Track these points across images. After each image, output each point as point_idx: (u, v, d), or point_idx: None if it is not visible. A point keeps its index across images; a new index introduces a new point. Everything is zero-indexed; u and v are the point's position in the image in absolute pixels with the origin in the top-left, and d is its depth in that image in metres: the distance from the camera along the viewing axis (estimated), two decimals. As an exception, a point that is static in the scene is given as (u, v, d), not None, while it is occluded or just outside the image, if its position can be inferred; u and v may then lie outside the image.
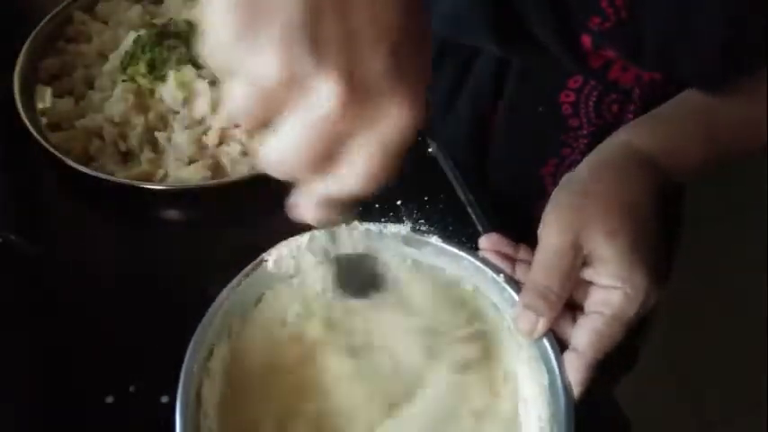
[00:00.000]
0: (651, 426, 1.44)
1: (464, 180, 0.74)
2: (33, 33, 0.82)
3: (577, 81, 0.64)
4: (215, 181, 0.72)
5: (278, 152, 0.35)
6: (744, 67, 0.57)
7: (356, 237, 0.54)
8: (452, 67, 0.69)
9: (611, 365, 0.52)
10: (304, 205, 0.39)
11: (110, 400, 0.59)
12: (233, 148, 0.75)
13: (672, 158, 0.58)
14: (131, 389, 0.59)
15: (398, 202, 0.71)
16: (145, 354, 0.61)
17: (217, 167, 0.74)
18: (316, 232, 0.56)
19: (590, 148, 0.67)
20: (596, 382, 0.52)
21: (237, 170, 0.74)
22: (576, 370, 0.50)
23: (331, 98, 0.33)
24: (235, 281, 0.55)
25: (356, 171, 0.36)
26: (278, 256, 0.56)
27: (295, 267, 0.57)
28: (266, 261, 0.56)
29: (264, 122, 0.35)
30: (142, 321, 0.64)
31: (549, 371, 0.52)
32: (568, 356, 0.51)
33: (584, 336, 0.51)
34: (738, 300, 1.64)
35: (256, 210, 0.72)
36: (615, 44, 0.57)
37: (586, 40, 0.58)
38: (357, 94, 0.33)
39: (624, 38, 0.57)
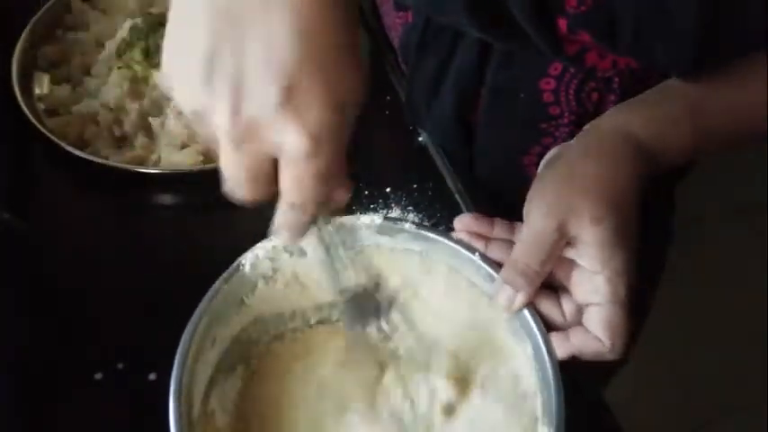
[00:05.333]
0: (651, 427, 1.44)
1: (453, 168, 0.75)
2: (32, 21, 0.83)
3: (557, 68, 0.64)
4: (207, 165, 0.73)
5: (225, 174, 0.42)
6: (718, 55, 0.57)
7: (329, 230, 0.53)
8: (436, 54, 0.69)
9: (600, 367, 0.53)
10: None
11: (98, 376, 0.60)
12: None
13: (660, 143, 0.58)
14: (120, 366, 0.60)
15: (387, 189, 0.72)
16: (134, 332, 0.62)
17: (208, 152, 0.75)
18: None
19: (571, 137, 0.66)
20: (586, 384, 0.53)
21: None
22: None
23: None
24: (213, 288, 0.54)
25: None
26: (254, 259, 0.56)
27: (272, 268, 0.57)
28: (243, 265, 0.55)
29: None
30: (133, 301, 0.65)
31: (532, 340, 0.53)
32: (558, 335, 0.53)
33: (600, 330, 0.52)
34: (738, 300, 1.64)
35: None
36: (590, 28, 0.57)
37: (562, 23, 0.58)
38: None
39: (599, 22, 0.57)
